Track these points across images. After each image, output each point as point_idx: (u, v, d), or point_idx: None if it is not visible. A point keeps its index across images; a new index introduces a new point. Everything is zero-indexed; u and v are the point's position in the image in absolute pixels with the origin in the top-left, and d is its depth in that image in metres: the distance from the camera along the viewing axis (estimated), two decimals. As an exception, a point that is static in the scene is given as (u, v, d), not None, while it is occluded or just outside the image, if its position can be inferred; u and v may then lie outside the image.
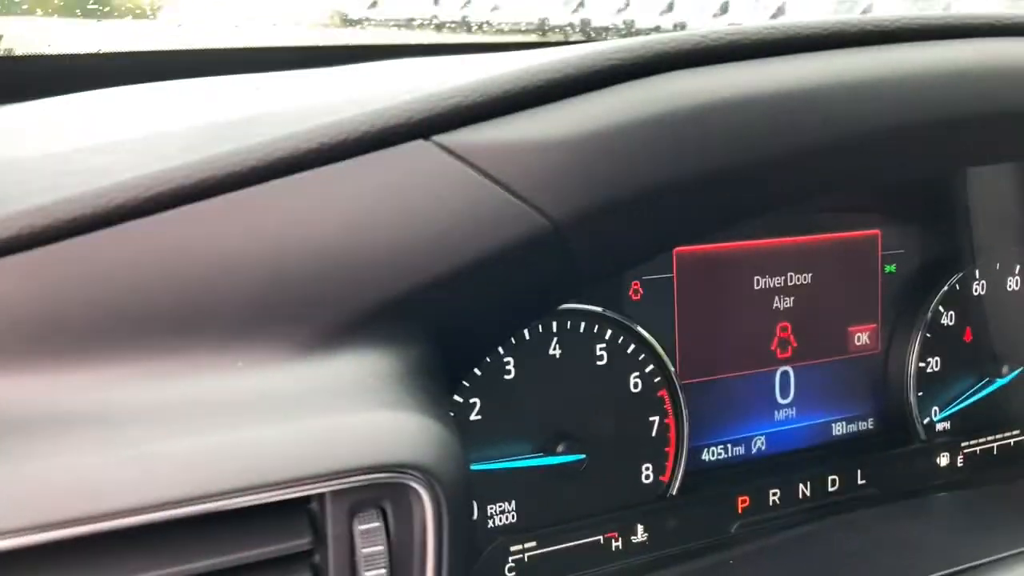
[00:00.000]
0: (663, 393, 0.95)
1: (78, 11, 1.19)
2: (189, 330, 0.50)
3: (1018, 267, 1.14)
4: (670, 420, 0.96)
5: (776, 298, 1.03)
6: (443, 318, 0.59)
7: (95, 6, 1.18)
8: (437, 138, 0.56)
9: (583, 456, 0.89)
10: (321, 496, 0.49)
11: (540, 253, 0.60)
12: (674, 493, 0.96)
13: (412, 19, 1.54)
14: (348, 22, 1.47)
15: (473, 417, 0.86)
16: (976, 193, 1.11)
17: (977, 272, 1.11)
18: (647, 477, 0.96)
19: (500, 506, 0.89)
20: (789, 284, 1.03)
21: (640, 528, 0.95)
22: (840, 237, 1.06)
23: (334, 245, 0.53)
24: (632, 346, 0.93)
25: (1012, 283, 1.14)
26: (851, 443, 1.09)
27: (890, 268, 1.09)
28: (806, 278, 1.04)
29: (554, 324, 0.89)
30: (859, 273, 1.08)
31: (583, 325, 0.91)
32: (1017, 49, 0.74)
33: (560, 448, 0.89)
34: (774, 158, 0.66)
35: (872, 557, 0.93)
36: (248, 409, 0.49)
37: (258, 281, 0.52)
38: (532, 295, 0.66)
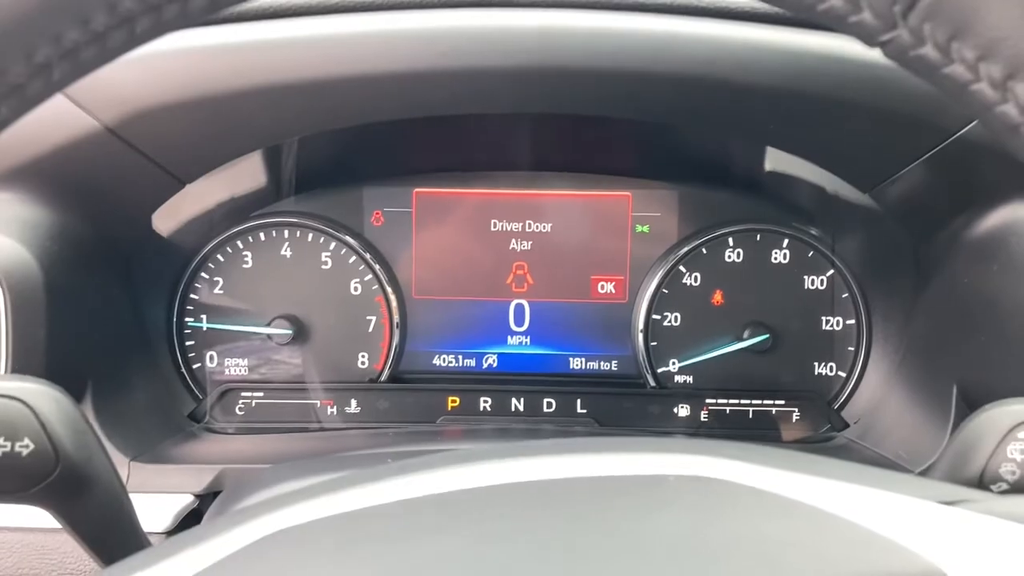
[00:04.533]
0: (380, 299, 1.20)
1: None
2: None
3: (786, 242, 1.19)
4: (385, 321, 1.20)
5: (513, 240, 1.22)
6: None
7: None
8: None
9: (290, 330, 1.17)
10: None
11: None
12: (384, 379, 1.21)
13: None
14: None
15: (216, 291, 1.19)
16: (743, 166, 1.19)
17: (731, 240, 1.19)
18: (363, 363, 1.21)
19: (235, 361, 1.20)
20: (527, 230, 1.22)
21: (354, 402, 1.20)
22: (586, 195, 1.21)
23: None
24: (353, 257, 1.20)
25: (777, 256, 1.20)
26: (585, 378, 1.23)
27: (643, 228, 1.22)
28: (545, 227, 1.22)
29: (286, 231, 1.19)
30: (606, 229, 1.22)
31: (311, 235, 1.19)
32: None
33: (275, 323, 1.18)
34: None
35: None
36: None
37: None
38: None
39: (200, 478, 0.97)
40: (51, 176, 0.93)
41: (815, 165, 1.04)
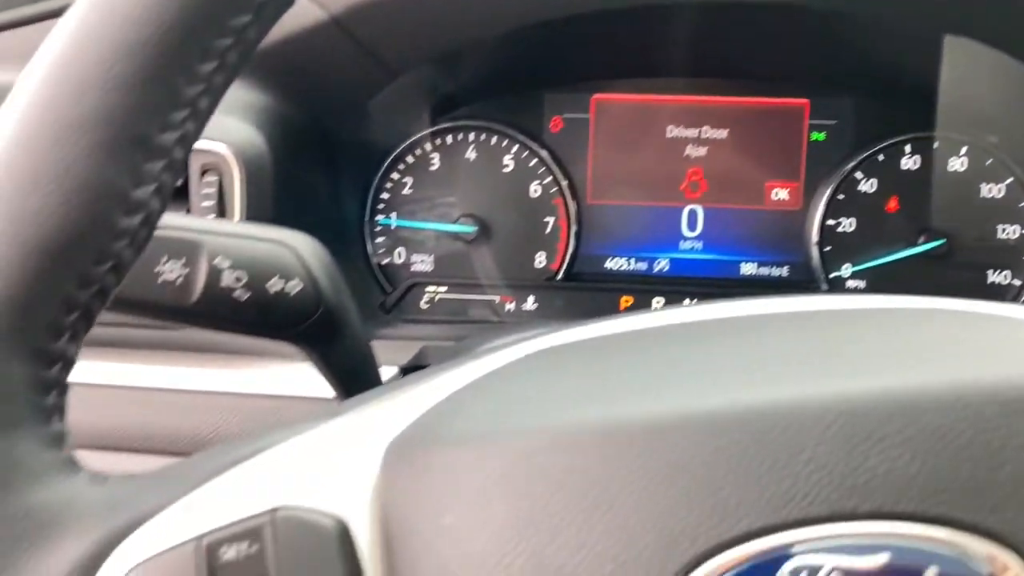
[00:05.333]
0: (558, 202, 1.25)
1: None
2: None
3: (964, 149, 1.19)
4: (563, 223, 1.25)
5: (688, 146, 1.25)
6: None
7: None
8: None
9: (474, 228, 1.23)
10: None
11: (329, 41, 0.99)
12: (560, 278, 1.26)
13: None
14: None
15: (405, 192, 1.26)
16: (921, 70, 1.19)
17: (908, 147, 1.20)
18: (540, 263, 1.26)
19: (421, 257, 1.27)
20: (703, 136, 1.24)
21: (531, 299, 1.26)
22: (763, 102, 1.23)
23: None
24: (534, 161, 1.24)
25: (955, 164, 1.20)
26: (756, 282, 1.26)
27: (818, 136, 1.23)
28: (722, 134, 1.24)
29: (471, 134, 1.25)
30: (782, 136, 1.24)
31: (495, 139, 1.25)
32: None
33: (460, 222, 1.24)
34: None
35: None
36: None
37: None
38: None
39: (404, 352, 1.04)
40: (278, 65, 1.00)
41: (1002, 63, 1.04)
